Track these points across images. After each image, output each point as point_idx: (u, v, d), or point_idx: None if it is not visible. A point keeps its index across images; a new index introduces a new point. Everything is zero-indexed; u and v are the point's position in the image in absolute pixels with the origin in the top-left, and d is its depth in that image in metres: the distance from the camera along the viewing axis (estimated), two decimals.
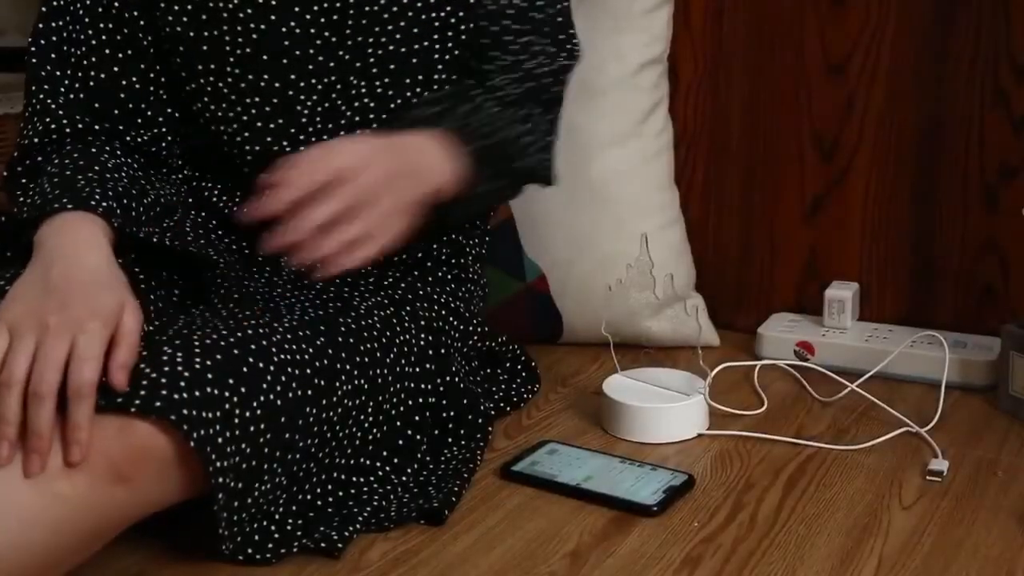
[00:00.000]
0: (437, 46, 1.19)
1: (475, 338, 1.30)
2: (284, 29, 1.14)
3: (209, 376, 0.94)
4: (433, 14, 1.18)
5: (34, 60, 1.17)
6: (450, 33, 1.19)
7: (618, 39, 1.53)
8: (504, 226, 1.50)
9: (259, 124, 1.17)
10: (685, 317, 1.45)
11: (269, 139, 1.18)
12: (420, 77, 1.19)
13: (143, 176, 1.16)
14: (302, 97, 1.16)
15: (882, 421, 1.29)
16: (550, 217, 1.52)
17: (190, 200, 1.23)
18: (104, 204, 1.05)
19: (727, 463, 1.21)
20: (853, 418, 1.31)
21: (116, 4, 1.16)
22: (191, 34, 1.15)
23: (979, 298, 1.50)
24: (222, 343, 0.97)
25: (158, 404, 0.91)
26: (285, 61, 1.15)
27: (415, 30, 1.17)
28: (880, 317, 1.55)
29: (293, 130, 1.17)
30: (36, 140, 1.15)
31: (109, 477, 0.90)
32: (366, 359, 1.09)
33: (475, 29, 1.20)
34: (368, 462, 1.12)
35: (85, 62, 1.17)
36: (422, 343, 1.18)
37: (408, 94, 1.19)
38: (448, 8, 1.18)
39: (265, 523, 1.02)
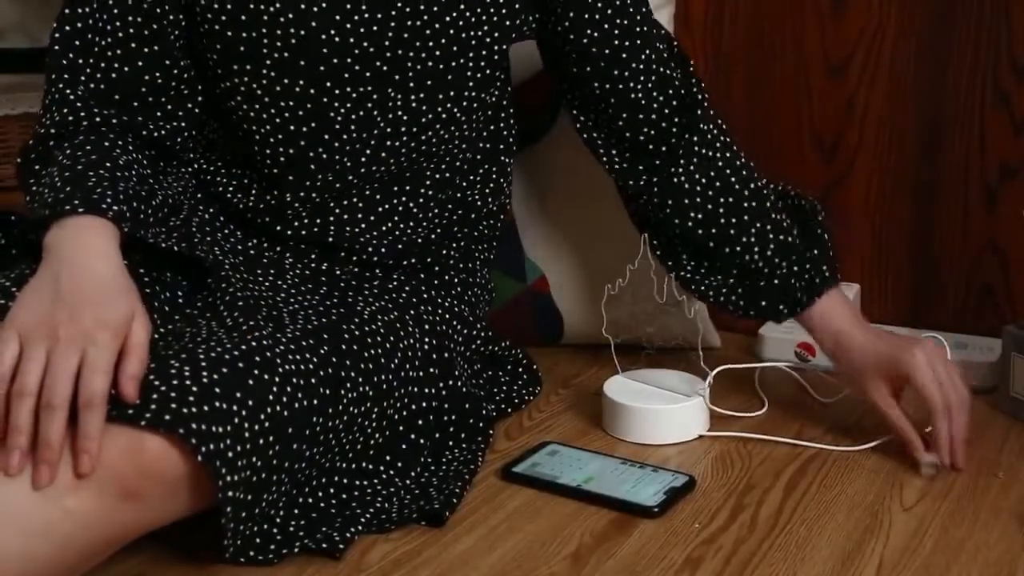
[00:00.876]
0: (471, 64, 1.20)
1: (478, 341, 1.30)
2: (324, 36, 1.14)
3: (217, 390, 0.94)
4: (472, 32, 1.19)
5: (56, 47, 1.15)
6: (484, 52, 1.20)
7: None
8: (504, 227, 1.49)
9: (291, 127, 1.17)
10: (686, 318, 1.44)
11: (302, 143, 1.18)
12: (452, 94, 1.20)
13: (151, 175, 1.15)
14: (336, 104, 1.16)
15: (883, 422, 1.29)
16: (550, 218, 1.52)
17: (199, 195, 1.23)
18: (115, 208, 1.04)
19: (728, 464, 1.21)
20: (854, 419, 1.31)
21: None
22: (229, 34, 1.14)
23: (979, 299, 1.50)
24: (227, 356, 0.97)
25: (167, 418, 0.91)
26: (322, 68, 1.14)
27: (454, 48, 1.18)
28: (881, 318, 1.55)
29: (327, 136, 1.18)
30: (53, 131, 1.14)
31: (117, 493, 0.90)
32: (370, 365, 1.09)
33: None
34: (371, 466, 1.12)
35: (109, 53, 1.15)
36: (426, 347, 1.18)
37: (439, 110, 1.20)
38: (485, 28, 1.19)
39: (267, 526, 1.02)
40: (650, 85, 1.28)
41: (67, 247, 1.01)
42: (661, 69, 1.28)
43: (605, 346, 1.36)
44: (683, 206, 1.28)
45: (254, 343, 1.00)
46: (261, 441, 0.96)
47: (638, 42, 1.26)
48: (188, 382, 0.94)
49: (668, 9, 1.56)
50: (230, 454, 0.93)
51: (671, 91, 1.29)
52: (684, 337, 1.50)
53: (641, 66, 1.27)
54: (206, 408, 0.93)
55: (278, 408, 0.98)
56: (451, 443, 1.19)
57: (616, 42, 1.26)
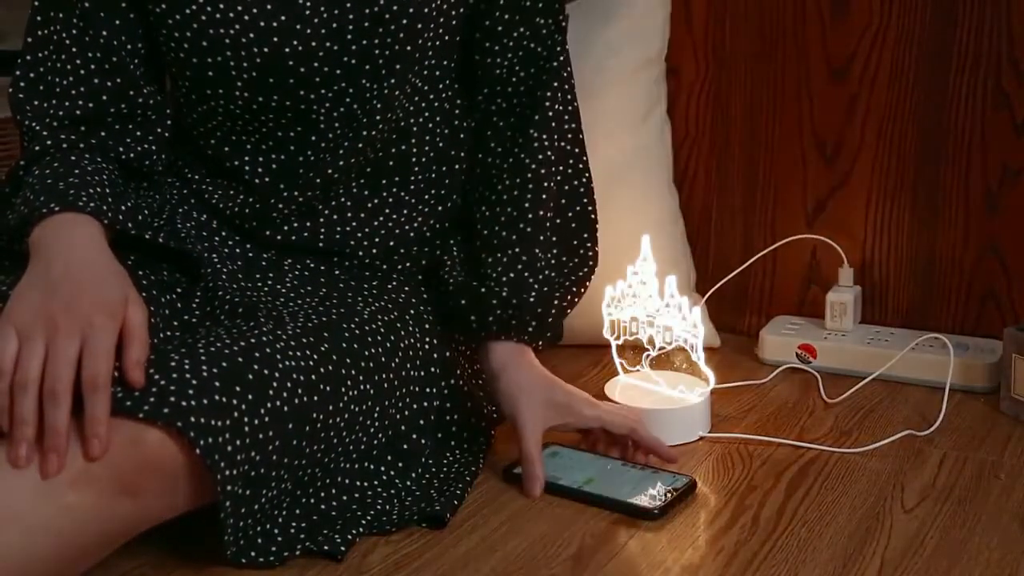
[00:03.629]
0: (432, 34, 1.19)
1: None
2: (287, 50, 1.13)
3: (216, 384, 0.94)
4: (434, 5, 1.17)
5: (21, 95, 1.16)
6: (442, 19, 1.19)
7: (616, 38, 1.53)
8: None
9: (279, 134, 1.17)
10: (686, 319, 1.44)
11: (292, 148, 1.18)
12: (416, 68, 1.20)
13: (122, 182, 1.15)
14: (315, 107, 1.16)
15: (884, 424, 1.29)
16: None
17: (192, 200, 1.23)
18: (92, 204, 1.06)
19: (729, 466, 1.21)
20: (855, 421, 1.31)
21: (104, 34, 1.15)
22: (194, 60, 1.14)
23: (980, 300, 1.50)
24: (226, 351, 0.98)
25: (166, 411, 0.91)
26: (292, 80, 1.14)
27: (418, 25, 1.17)
28: (882, 320, 1.55)
29: (313, 137, 1.18)
30: (23, 163, 1.15)
31: (116, 489, 0.90)
32: (371, 364, 1.10)
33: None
34: (373, 466, 1.12)
35: (73, 91, 1.16)
36: (426, 347, 1.18)
37: (407, 87, 1.19)
38: None
39: (268, 527, 1.02)
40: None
41: (52, 241, 1.02)
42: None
43: (606, 347, 1.36)
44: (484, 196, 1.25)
45: (254, 339, 1.01)
46: (260, 436, 0.97)
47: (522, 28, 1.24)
48: (188, 375, 0.94)
49: (663, 11, 1.57)
50: (229, 448, 0.94)
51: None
52: (685, 338, 1.50)
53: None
54: (205, 401, 0.93)
55: (278, 403, 0.99)
56: (452, 444, 1.19)
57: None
